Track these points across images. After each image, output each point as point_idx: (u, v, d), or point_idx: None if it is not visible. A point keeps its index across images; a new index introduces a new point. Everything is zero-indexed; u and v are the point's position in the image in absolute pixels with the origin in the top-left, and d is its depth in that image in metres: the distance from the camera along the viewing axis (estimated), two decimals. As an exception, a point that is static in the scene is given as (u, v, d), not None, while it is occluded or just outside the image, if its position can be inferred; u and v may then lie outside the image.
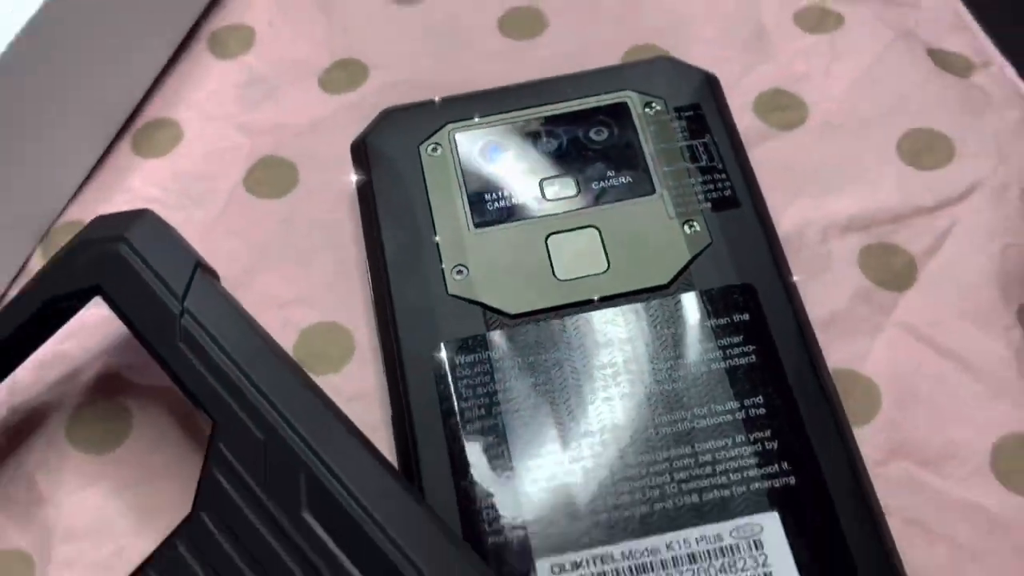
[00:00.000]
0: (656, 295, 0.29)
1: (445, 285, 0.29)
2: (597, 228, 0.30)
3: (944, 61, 0.37)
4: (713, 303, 0.29)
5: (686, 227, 0.30)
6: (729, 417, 0.27)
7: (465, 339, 0.29)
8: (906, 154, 0.34)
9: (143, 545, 0.29)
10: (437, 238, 0.30)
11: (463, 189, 0.31)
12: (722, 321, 0.29)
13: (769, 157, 0.34)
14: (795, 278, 0.30)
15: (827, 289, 0.32)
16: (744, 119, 0.35)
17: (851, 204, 0.33)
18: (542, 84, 0.33)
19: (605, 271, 0.30)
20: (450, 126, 0.32)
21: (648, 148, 0.32)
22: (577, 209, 0.31)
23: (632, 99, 0.33)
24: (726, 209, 0.31)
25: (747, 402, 0.27)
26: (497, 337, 0.29)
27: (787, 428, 0.27)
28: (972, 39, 0.37)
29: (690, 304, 0.29)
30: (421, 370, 0.28)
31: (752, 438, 0.27)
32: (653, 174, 0.31)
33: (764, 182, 0.33)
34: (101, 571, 0.29)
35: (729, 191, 0.31)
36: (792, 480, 0.26)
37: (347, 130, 0.35)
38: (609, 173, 0.31)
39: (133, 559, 0.29)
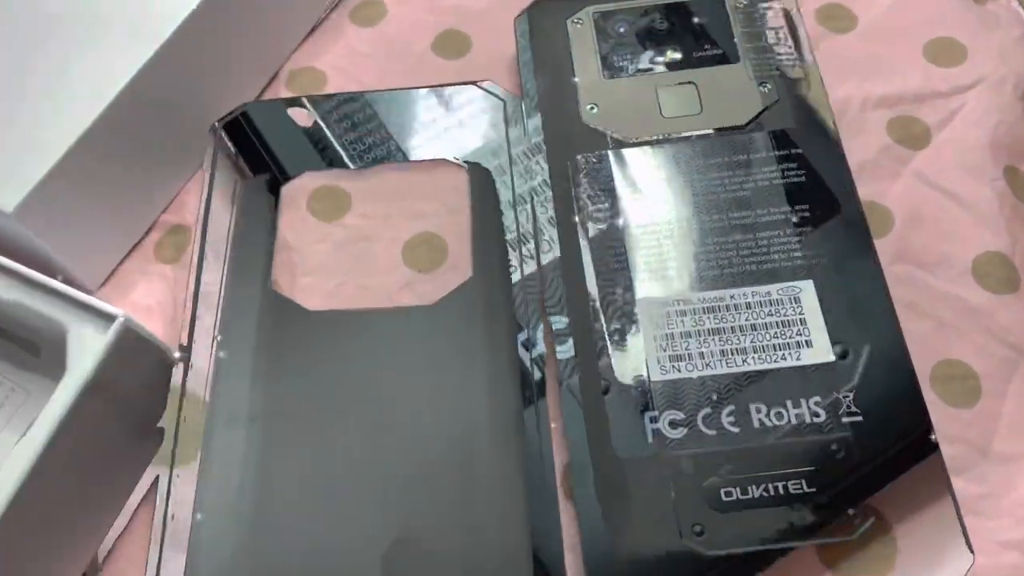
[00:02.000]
0: (736, 132, 0.40)
1: (581, 117, 0.40)
2: (694, 83, 0.41)
3: (962, -7, 0.48)
4: (776, 139, 0.40)
5: (761, 87, 0.41)
6: (781, 217, 0.38)
7: (592, 154, 0.40)
8: (929, 55, 0.45)
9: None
10: (577, 81, 0.41)
11: (597, 51, 0.42)
12: (782, 152, 0.40)
13: (826, 51, 0.45)
14: (839, 132, 0.41)
15: (861, 145, 0.43)
16: (808, 24, 0.46)
17: (885, 87, 0.44)
18: None
19: (699, 113, 0.41)
20: (591, 7, 0.43)
21: (736, 30, 0.42)
22: (681, 69, 0.42)
23: None
24: (791, 79, 0.41)
25: (796, 207, 0.39)
26: (616, 155, 0.40)
27: (823, 222, 0.38)
28: (990, -24, 0.48)
29: (760, 139, 0.40)
30: (561, 179, 0.39)
31: (797, 232, 0.38)
32: (738, 48, 0.42)
33: (822, 69, 0.44)
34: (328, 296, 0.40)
35: (794, 66, 0.42)
36: (824, 260, 0.37)
37: (511, 11, 0.46)
38: (706, 46, 0.42)
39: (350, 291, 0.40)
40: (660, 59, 0.42)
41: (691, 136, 0.40)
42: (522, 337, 0.37)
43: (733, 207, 0.39)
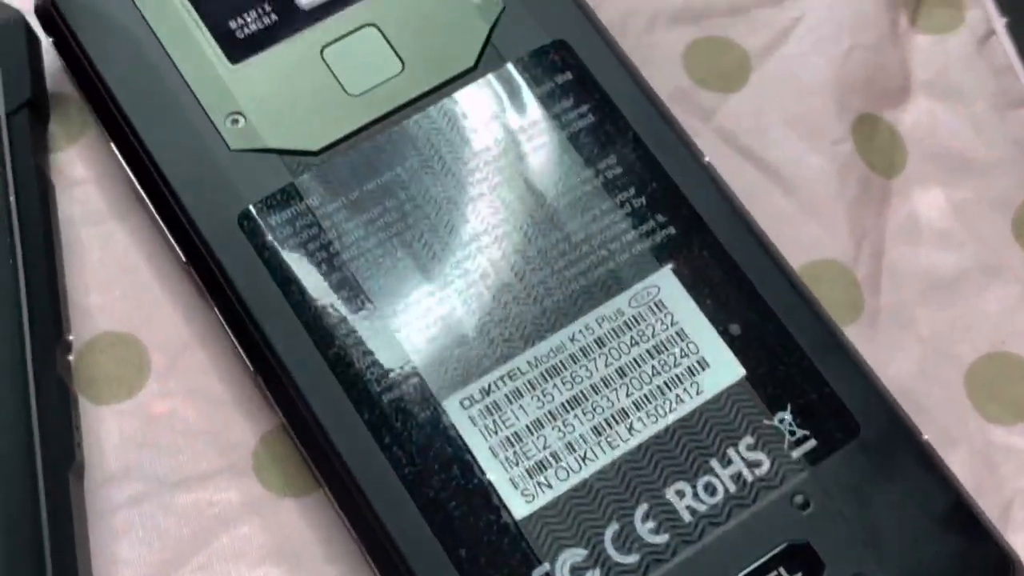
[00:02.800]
0: (466, 81, 0.26)
1: (224, 141, 0.25)
2: (375, 25, 0.27)
3: None
4: (529, 71, 0.26)
5: None
6: (588, 187, 0.25)
7: (272, 195, 0.25)
8: (759, -70, 0.30)
9: None
10: (193, 90, 0.26)
11: (200, 23, 0.27)
12: (546, 88, 0.26)
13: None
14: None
15: (645, 88, 0.28)
16: None
17: (685, -11, 0.29)
18: None
19: (401, 72, 0.26)
20: None
21: None
22: (344, 9, 0.27)
23: None
24: None
25: (600, 165, 0.25)
26: (309, 181, 0.25)
27: (648, 179, 0.25)
28: None
29: (506, 80, 0.26)
30: (232, 247, 0.25)
31: (618, 201, 0.25)
32: None
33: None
34: None
35: None
36: (671, 230, 0.25)
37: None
38: None
39: None
40: (303, 3, 0.27)
41: (406, 111, 0.26)
42: None
43: (514, 200, 0.25)
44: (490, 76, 0.26)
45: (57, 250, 0.26)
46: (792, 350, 0.24)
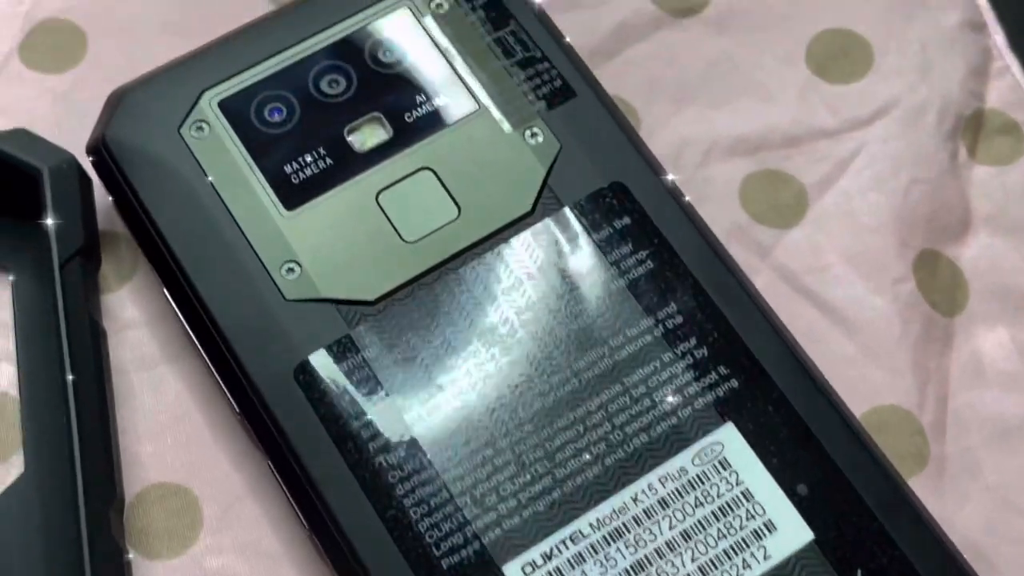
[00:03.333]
0: (523, 226, 0.26)
1: (279, 291, 0.25)
2: (431, 169, 0.26)
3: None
4: (587, 215, 0.26)
5: (528, 137, 0.26)
6: (648, 337, 0.25)
7: (329, 346, 0.24)
8: (815, 59, 0.30)
9: None
10: (248, 237, 0.25)
11: (255, 169, 0.26)
12: (604, 233, 0.26)
13: (655, 53, 0.30)
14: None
15: (700, 223, 0.27)
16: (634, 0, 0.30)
17: (741, 120, 0.29)
18: (297, 10, 0.28)
19: (457, 217, 0.26)
20: (208, 94, 0.27)
21: (452, 56, 0.27)
22: (399, 153, 0.26)
23: (412, 1, 0.28)
24: (563, 102, 0.27)
25: (660, 314, 0.25)
26: (365, 332, 0.24)
27: (709, 328, 0.25)
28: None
29: (563, 225, 0.26)
30: (288, 400, 0.24)
31: (679, 351, 0.25)
32: (469, 86, 0.27)
33: (646, 87, 0.29)
34: None
35: (559, 80, 0.27)
36: (734, 382, 0.24)
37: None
38: (418, 99, 0.27)
39: None
40: (357, 146, 0.27)
41: (462, 258, 0.25)
42: None
43: (573, 352, 0.25)
44: (547, 221, 0.26)
45: (109, 400, 0.26)
46: (861, 510, 0.23)
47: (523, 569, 0.23)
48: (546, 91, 0.27)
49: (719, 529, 0.23)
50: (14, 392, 0.26)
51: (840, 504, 0.23)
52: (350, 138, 0.26)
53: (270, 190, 0.26)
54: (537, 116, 0.27)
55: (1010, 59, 0.30)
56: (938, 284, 0.28)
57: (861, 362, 0.27)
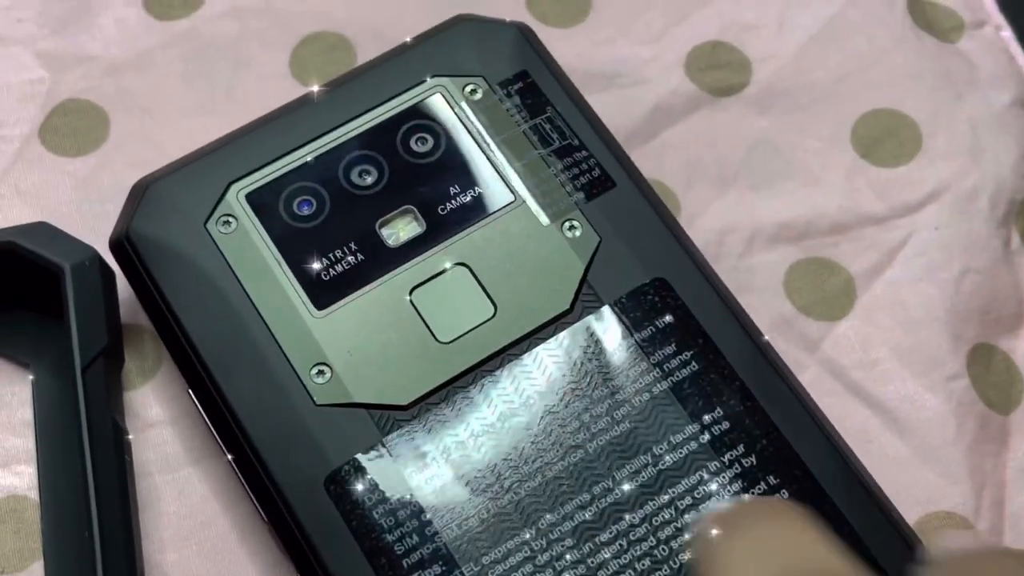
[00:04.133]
0: (562, 326, 0.25)
1: (309, 395, 0.24)
2: (466, 265, 0.25)
3: (927, 17, 0.30)
4: (628, 313, 0.25)
5: (567, 230, 0.25)
6: (694, 444, 0.24)
7: (359, 454, 0.23)
8: (861, 141, 0.29)
9: None
10: (277, 338, 0.24)
11: (285, 266, 0.25)
12: (646, 332, 0.25)
13: (694, 135, 0.29)
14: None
15: (744, 315, 0.26)
16: (672, 79, 0.30)
17: (785, 206, 0.28)
18: (328, 97, 0.27)
19: (493, 315, 0.25)
20: (235, 187, 0.26)
21: (487, 145, 0.26)
22: (433, 248, 0.25)
23: (445, 87, 0.27)
24: (602, 193, 0.26)
25: (706, 419, 0.24)
26: (398, 438, 0.24)
27: (758, 434, 0.24)
28: (969, -11, 0.31)
29: (604, 324, 0.25)
30: (318, 511, 0.23)
31: (727, 460, 0.24)
32: (505, 177, 0.26)
33: (686, 171, 0.28)
34: None
35: (597, 170, 0.26)
36: (785, 493, 0.23)
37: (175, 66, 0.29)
38: (453, 191, 0.26)
39: None
40: (390, 241, 0.26)
41: (499, 359, 0.24)
42: None
43: (616, 460, 0.24)
44: (588, 319, 0.25)
45: (132, 505, 0.25)
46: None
47: None
48: (584, 181, 0.26)
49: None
50: (34, 495, 0.25)
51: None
52: (382, 232, 0.26)
53: (300, 289, 0.25)
54: (576, 208, 0.26)
55: (1063, 140, 0.29)
56: (993, 380, 0.27)
57: (914, 465, 0.26)
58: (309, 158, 0.26)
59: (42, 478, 0.26)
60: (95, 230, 0.27)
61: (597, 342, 0.25)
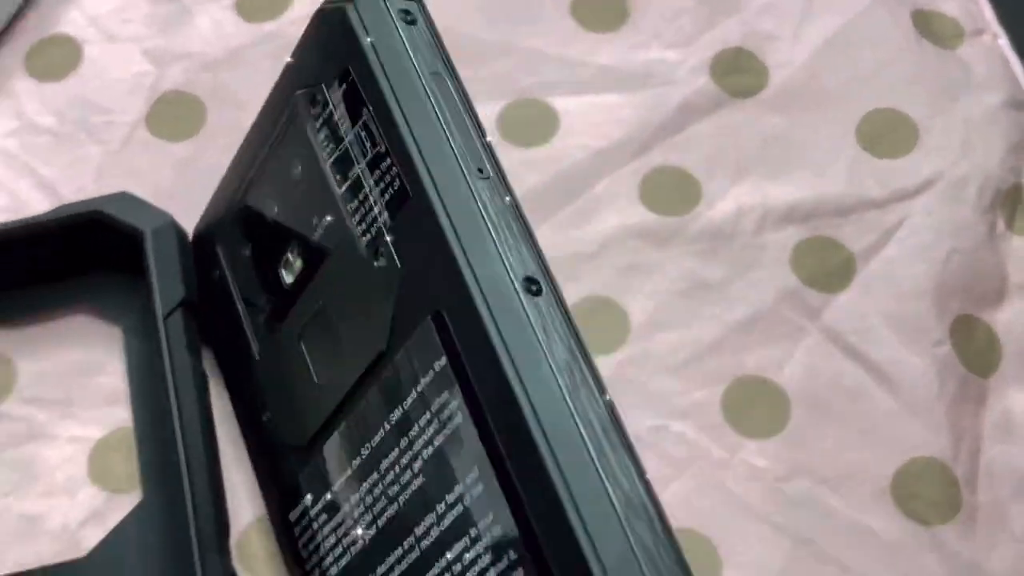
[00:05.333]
0: (381, 367, 0.23)
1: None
2: (325, 307, 0.25)
3: (929, 26, 0.34)
4: (413, 358, 0.22)
5: (378, 260, 0.23)
6: (459, 508, 0.21)
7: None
8: (864, 137, 0.32)
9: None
10: None
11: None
12: (427, 380, 0.22)
13: (717, 130, 0.33)
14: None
15: (754, 287, 0.31)
16: (699, 80, 0.33)
17: (795, 190, 0.32)
18: None
19: (343, 355, 0.24)
20: None
21: (325, 165, 0.25)
22: (306, 288, 0.26)
23: (298, 103, 0.26)
24: (400, 208, 0.23)
25: (465, 483, 0.21)
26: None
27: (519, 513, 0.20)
28: (970, 1, 0.34)
29: (401, 368, 0.22)
30: None
31: (480, 529, 0.21)
32: (336, 202, 0.24)
33: (708, 161, 0.32)
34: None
35: (398, 180, 0.23)
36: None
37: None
38: (314, 222, 0.25)
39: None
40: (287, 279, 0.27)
41: (357, 399, 0.24)
42: None
43: (415, 517, 0.23)
44: (396, 360, 0.23)
45: (214, 436, 0.29)
46: None
47: None
48: (389, 196, 0.23)
49: None
50: (130, 432, 0.30)
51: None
52: (282, 272, 0.27)
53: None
54: (384, 231, 0.23)
55: (1049, 137, 0.33)
56: (974, 347, 0.30)
57: (902, 417, 0.29)
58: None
59: (136, 416, 0.30)
60: (188, 204, 0.31)
61: (398, 387, 0.23)
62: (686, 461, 0.29)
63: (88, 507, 0.29)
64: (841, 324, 0.30)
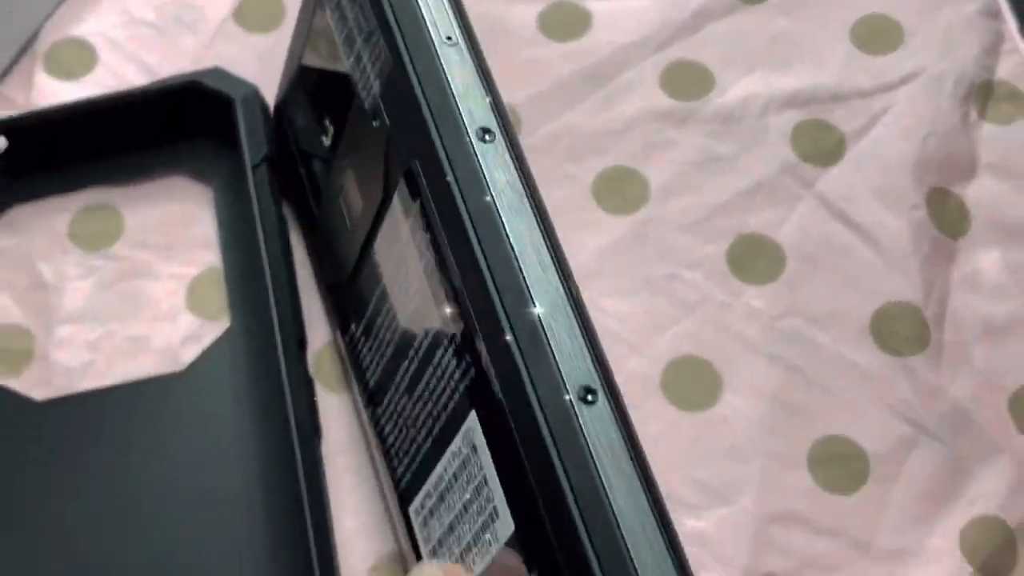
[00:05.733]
0: (386, 216, 0.28)
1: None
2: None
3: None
4: (400, 205, 0.28)
5: (375, 120, 0.29)
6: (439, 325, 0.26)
7: None
8: (857, 37, 0.37)
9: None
10: None
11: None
12: (411, 223, 0.27)
13: (730, 30, 0.38)
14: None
15: (758, 161, 0.36)
16: (718, -11, 0.38)
17: (795, 81, 0.37)
18: None
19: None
20: None
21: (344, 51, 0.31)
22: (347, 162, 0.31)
23: None
24: (387, 75, 0.28)
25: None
26: None
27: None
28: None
29: (397, 214, 0.28)
30: None
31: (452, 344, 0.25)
32: (350, 73, 0.30)
33: (722, 56, 0.37)
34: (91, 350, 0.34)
35: (383, 50, 0.28)
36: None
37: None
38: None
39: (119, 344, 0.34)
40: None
41: (373, 241, 0.30)
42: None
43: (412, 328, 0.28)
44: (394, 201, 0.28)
45: (293, 272, 0.34)
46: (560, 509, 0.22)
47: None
48: (379, 65, 0.28)
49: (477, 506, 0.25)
50: (220, 271, 0.35)
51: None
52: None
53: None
54: (377, 96, 0.28)
55: (1019, 42, 0.38)
56: (947, 214, 0.35)
57: (881, 269, 0.34)
58: None
59: (225, 255, 0.35)
60: (270, 89, 0.36)
61: (396, 230, 0.28)
62: (695, 303, 0.34)
63: (186, 331, 0.34)
64: (832, 193, 0.35)
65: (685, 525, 0.31)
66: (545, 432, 0.22)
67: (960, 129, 0.36)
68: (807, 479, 0.32)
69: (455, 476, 0.26)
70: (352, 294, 0.31)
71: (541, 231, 0.24)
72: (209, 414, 0.33)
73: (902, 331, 0.33)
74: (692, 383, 0.33)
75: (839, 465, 0.32)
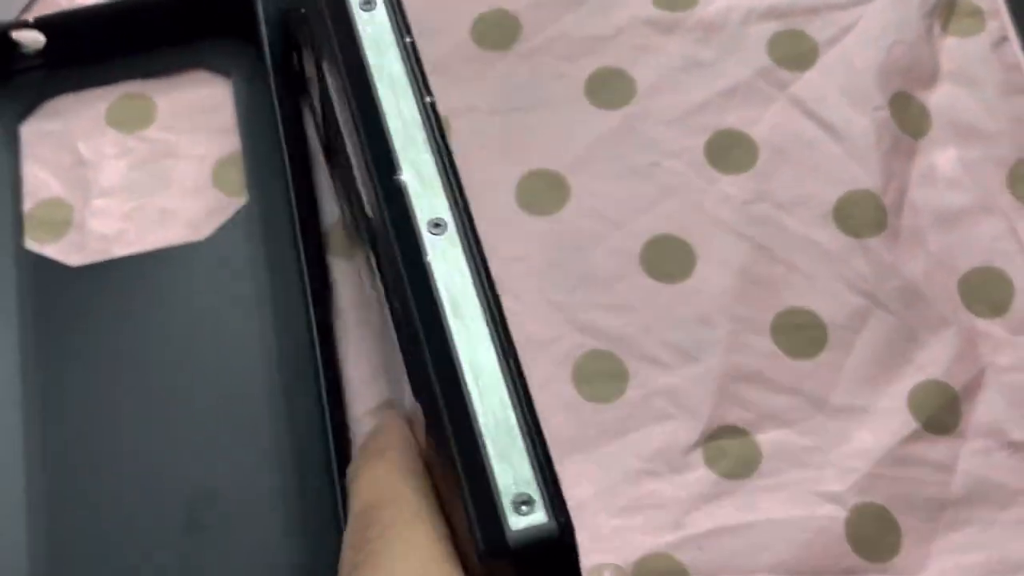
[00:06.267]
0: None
1: None
2: None
3: None
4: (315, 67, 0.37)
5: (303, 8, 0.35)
6: None
7: None
8: (835, -46, 0.40)
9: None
10: None
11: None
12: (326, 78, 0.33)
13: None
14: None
15: (737, 64, 0.39)
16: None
17: (776, -7, 0.40)
18: None
19: None
20: None
21: None
22: None
23: None
24: None
25: None
26: None
27: None
28: None
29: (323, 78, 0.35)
30: None
31: None
32: None
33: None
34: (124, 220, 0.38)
35: None
36: None
37: None
38: None
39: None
40: None
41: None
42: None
43: None
44: None
45: (307, 154, 0.38)
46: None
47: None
48: None
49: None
50: (240, 154, 0.38)
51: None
52: None
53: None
54: None
55: (981, -35, 0.41)
56: (909, 116, 0.38)
57: (845, 160, 0.37)
58: None
59: (244, 140, 0.38)
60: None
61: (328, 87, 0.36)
62: (674, 188, 0.37)
63: (210, 205, 0.38)
64: (803, 94, 0.38)
65: (657, 381, 0.34)
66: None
67: (925, 40, 0.39)
68: (770, 344, 0.35)
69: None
70: (339, 162, 0.35)
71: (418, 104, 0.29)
72: (231, 277, 0.36)
73: (862, 215, 0.36)
74: (669, 258, 0.36)
75: (800, 333, 0.35)
